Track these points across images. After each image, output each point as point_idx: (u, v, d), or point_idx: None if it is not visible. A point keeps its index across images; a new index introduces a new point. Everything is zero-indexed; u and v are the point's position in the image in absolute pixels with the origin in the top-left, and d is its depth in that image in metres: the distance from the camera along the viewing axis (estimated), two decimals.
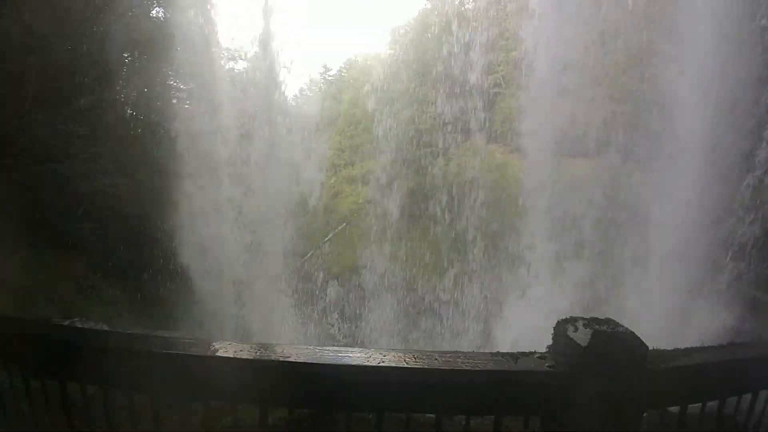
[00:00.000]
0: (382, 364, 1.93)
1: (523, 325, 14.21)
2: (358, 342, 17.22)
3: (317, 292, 19.75)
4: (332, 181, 22.37)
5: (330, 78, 24.18)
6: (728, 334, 7.71)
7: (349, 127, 22.82)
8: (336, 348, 2.66)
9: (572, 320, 2.14)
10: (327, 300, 19.48)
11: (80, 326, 6.74)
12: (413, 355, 1.96)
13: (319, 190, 20.61)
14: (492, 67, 19.86)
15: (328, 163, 21.50)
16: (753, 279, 9.30)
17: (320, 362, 2.01)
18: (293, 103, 20.84)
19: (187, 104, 14.88)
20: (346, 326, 18.77)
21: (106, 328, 7.67)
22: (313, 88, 22.07)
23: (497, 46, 19.21)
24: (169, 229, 12.74)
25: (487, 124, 19.91)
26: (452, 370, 2.02)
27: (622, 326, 2.13)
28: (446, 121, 19.94)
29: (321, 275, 20.04)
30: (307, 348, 2.16)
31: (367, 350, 2.09)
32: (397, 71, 21.35)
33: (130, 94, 14.10)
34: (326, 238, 21.96)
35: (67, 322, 7.13)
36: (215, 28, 14.08)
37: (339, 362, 2.02)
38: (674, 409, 2.33)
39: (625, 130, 12.66)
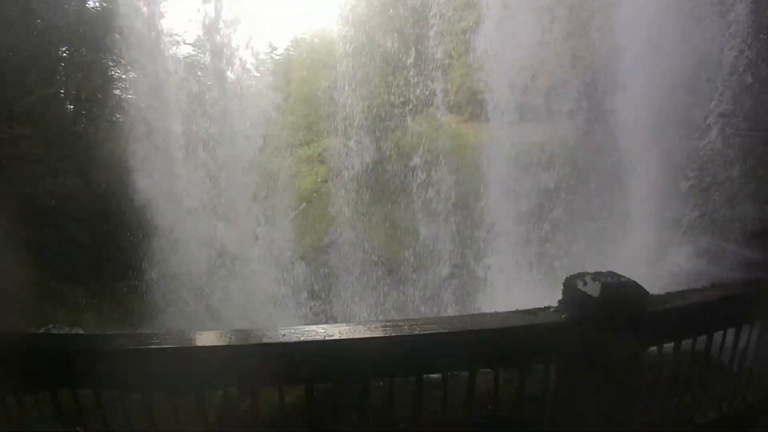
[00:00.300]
0: (422, 332, 2.10)
1: (493, 289, 14.86)
2: (330, 318, 17.40)
3: (284, 274, 19.68)
4: (288, 162, 22.05)
5: (277, 58, 23.57)
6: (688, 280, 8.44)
7: (302, 106, 22.46)
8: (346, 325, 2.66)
9: (580, 275, 2.36)
10: (293, 281, 19.46)
11: (56, 332, 6.56)
12: (438, 323, 2.15)
13: (276, 171, 20.31)
14: (443, 38, 19.94)
15: (284, 143, 21.16)
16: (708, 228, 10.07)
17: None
18: (241, 85, 20.22)
19: (131, 94, 14.20)
20: (316, 304, 18.87)
21: (81, 331, 7.47)
22: (261, 68, 21.43)
23: (447, 17, 19.25)
24: (128, 226, 12.32)
25: (442, 95, 20.13)
26: (482, 329, 2.21)
27: (624, 277, 2.36)
28: (401, 94, 20.00)
29: (287, 256, 19.94)
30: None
31: (400, 321, 2.23)
32: (348, 48, 21.07)
33: (71, 89, 13.34)
34: (288, 219, 21.78)
35: (42, 330, 6.91)
36: (158, 12, 13.35)
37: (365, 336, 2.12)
38: (668, 345, 2.64)
39: (578, 94, 13.23)
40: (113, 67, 14.02)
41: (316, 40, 22.64)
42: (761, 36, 9.34)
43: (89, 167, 12.29)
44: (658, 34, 9.85)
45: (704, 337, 2.74)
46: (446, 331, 2.13)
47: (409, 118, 21.00)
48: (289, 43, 24.12)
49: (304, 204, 22.39)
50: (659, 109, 10.18)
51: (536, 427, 2.41)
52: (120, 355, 2.23)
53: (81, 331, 8.04)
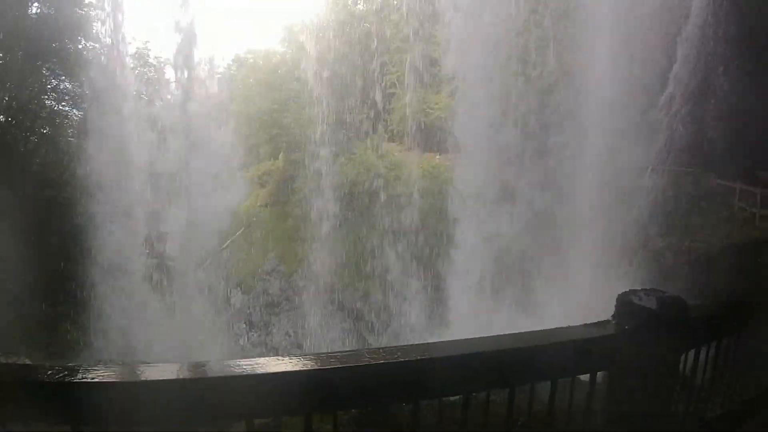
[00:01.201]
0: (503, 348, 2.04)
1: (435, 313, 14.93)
2: (272, 350, 16.66)
3: (219, 303, 18.67)
4: (228, 184, 21.24)
5: (218, 76, 22.90)
6: None
7: (243, 127, 21.85)
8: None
9: (632, 292, 2.44)
10: (231, 310, 18.53)
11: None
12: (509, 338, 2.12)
13: (215, 194, 19.43)
14: (387, 68, 20.44)
15: (223, 165, 20.39)
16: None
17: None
18: (176, 102, 19.37)
19: (63, 105, 13.15)
20: (255, 335, 18.03)
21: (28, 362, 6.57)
22: (202, 87, 20.71)
23: (392, 48, 19.80)
24: (62, 244, 11.16)
25: (385, 124, 20.51)
26: (552, 343, 2.18)
27: (668, 291, 2.47)
28: (346, 120, 20.11)
29: (222, 284, 18.98)
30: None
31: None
32: (293, 70, 20.99)
33: (2, 98, 12.14)
34: (224, 246, 20.81)
35: None
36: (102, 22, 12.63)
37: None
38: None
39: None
40: (48, 76, 12.90)
41: (260, 61, 22.29)
42: (698, 79, 10.29)
43: (24, 181, 11.01)
44: (608, 81, 10.64)
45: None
46: (523, 347, 2.09)
47: (352, 145, 21.09)
48: (231, 62, 23.59)
49: (242, 229, 21.57)
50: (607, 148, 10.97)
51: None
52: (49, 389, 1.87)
53: (28, 361, 7.06)
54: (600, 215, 11.92)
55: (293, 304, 17.86)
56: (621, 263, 11.02)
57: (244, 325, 18.02)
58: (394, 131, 21.84)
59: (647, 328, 2.29)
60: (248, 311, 18.78)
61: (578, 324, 2.51)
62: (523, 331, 2.35)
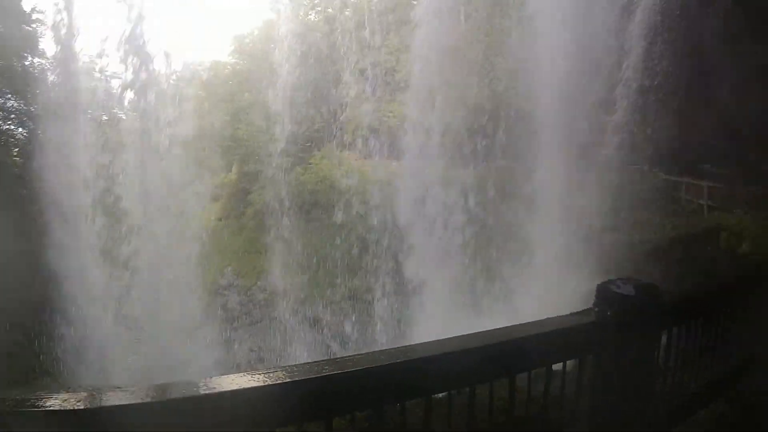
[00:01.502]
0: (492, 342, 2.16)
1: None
2: (236, 367, 16.22)
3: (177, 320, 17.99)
4: (180, 199, 20.56)
5: (166, 88, 22.21)
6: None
7: (194, 140, 21.29)
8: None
9: (611, 281, 2.64)
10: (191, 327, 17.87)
11: None
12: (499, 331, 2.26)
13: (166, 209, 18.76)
14: (341, 77, 20.50)
15: (176, 179, 19.75)
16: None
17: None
18: (125, 116, 18.64)
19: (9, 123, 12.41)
20: (214, 352, 17.47)
21: None
22: (150, 101, 20.00)
23: (346, 58, 19.88)
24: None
25: (341, 133, 20.55)
26: (545, 332, 2.33)
27: (644, 279, 2.69)
28: (300, 131, 19.99)
29: (178, 301, 18.30)
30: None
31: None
32: (244, 82, 20.70)
33: None
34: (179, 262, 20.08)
35: None
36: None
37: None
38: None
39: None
40: None
41: (212, 72, 21.80)
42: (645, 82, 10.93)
43: None
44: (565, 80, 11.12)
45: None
46: (522, 335, 2.22)
47: (308, 154, 20.99)
48: (179, 74, 22.91)
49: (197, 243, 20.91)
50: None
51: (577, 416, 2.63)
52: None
53: None
54: (553, 215, 12.45)
55: (253, 318, 17.50)
56: (572, 258, 11.51)
57: (204, 342, 17.42)
58: (349, 140, 21.92)
59: (627, 313, 2.48)
60: (208, 327, 18.19)
61: (563, 314, 2.68)
62: (508, 325, 2.49)
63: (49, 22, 13.01)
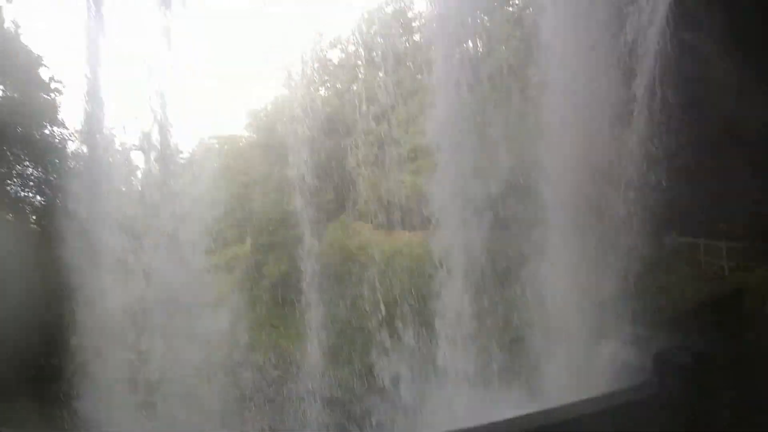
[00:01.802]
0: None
1: None
2: None
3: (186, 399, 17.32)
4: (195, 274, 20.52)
5: (182, 161, 22.88)
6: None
7: (210, 211, 21.61)
8: None
9: (670, 351, 2.48)
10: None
11: None
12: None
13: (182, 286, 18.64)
14: (352, 149, 21.03)
15: (190, 253, 19.83)
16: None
17: None
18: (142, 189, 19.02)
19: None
20: None
21: None
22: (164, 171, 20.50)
23: (359, 128, 20.45)
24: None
25: (353, 204, 20.76)
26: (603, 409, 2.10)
27: (698, 346, 2.53)
28: (313, 203, 20.22)
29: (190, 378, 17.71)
30: None
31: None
32: (258, 154, 21.31)
33: None
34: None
35: None
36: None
37: None
38: None
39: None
40: (13, 162, 12.50)
41: (226, 146, 22.54)
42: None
43: None
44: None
45: None
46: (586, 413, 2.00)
47: (321, 226, 21.07)
48: (195, 146, 23.70)
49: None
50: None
51: None
52: None
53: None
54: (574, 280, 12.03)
55: (267, 396, 16.81)
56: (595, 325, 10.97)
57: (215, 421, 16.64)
58: (362, 210, 22.09)
59: (688, 381, 2.29)
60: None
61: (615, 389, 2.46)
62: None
63: (75, 93, 13.39)
